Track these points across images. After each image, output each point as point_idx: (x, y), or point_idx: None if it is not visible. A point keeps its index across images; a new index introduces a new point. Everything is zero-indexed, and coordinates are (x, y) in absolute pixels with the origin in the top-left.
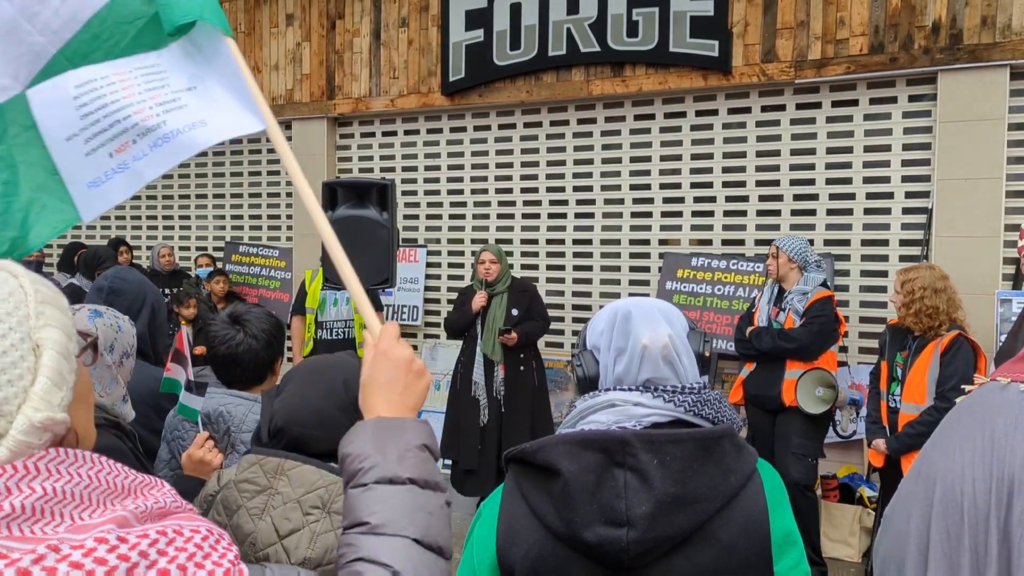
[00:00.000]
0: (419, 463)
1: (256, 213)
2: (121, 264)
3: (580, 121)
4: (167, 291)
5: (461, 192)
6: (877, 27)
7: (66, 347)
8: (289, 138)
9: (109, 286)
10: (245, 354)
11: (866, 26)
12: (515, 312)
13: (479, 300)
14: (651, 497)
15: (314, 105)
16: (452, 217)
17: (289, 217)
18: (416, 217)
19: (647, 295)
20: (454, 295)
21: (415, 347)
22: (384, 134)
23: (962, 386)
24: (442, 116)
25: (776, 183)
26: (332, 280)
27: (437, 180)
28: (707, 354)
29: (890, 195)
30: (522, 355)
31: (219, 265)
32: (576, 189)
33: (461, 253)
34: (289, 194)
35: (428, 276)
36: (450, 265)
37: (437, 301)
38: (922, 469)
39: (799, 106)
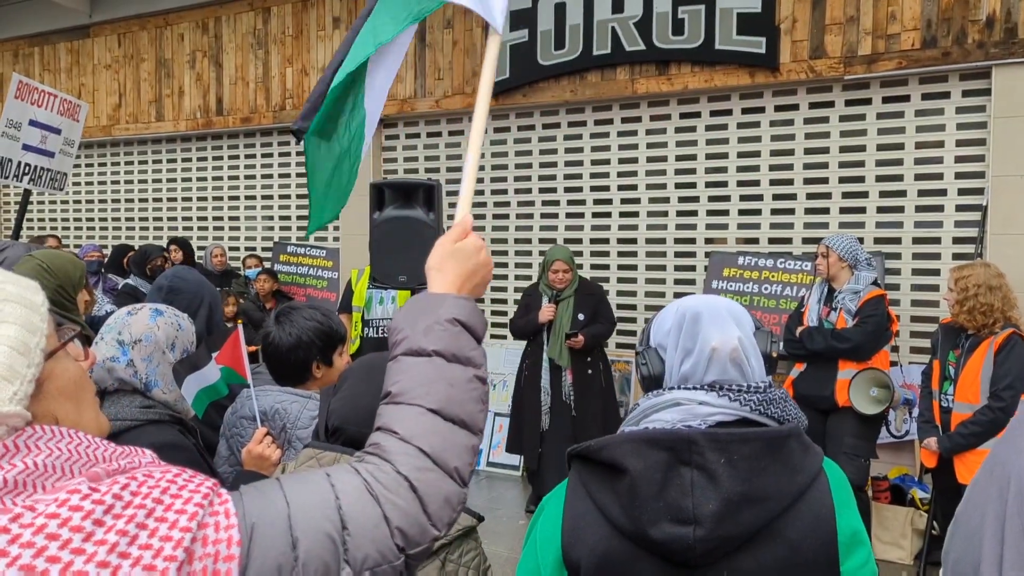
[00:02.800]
0: (447, 336)
1: (303, 214)
2: (175, 263)
3: (625, 120)
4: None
5: (505, 192)
6: (929, 21)
7: (22, 342)
8: None
9: (168, 285)
10: (273, 353)
11: (918, 20)
12: (581, 316)
13: (547, 313)
14: (718, 495)
15: None
16: (496, 217)
17: (336, 217)
18: None
19: (692, 294)
20: (497, 294)
21: None
22: (429, 135)
23: None
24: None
25: (825, 180)
26: (378, 279)
27: (481, 180)
28: (774, 354)
29: (943, 192)
30: (589, 358)
31: (266, 265)
32: (621, 188)
33: (505, 253)
34: None
35: None
36: (495, 265)
37: (480, 300)
38: (994, 468)
39: (848, 102)
